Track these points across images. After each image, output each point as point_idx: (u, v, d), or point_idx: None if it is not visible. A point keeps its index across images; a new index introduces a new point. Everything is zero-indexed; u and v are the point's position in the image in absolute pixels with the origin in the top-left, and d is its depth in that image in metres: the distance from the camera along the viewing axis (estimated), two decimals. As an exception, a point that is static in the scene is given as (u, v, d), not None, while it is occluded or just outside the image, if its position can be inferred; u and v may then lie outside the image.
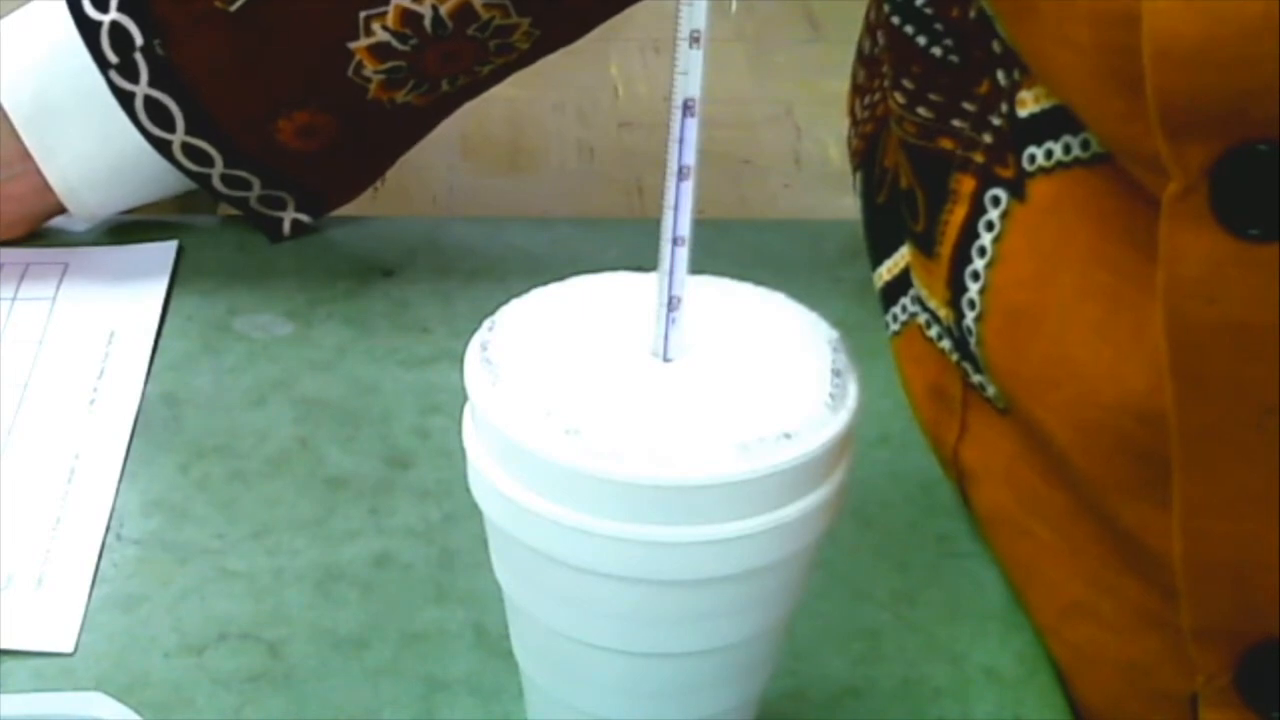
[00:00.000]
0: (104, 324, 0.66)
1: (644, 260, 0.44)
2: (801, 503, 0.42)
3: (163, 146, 0.67)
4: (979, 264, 0.52)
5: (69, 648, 0.52)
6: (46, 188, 0.68)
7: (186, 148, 0.67)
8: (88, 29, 0.65)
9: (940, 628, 0.55)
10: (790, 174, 1.69)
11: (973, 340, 0.53)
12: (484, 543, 0.45)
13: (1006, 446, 0.54)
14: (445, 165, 1.60)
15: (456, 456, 0.44)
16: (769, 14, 2.00)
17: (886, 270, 0.62)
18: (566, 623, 0.44)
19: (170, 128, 0.66)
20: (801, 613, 0.46)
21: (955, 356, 0.56)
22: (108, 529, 0.57)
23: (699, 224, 0.43)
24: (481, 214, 1.47)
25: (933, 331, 0.57)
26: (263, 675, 0.52)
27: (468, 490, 0.44)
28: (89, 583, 0.55)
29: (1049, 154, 0.50)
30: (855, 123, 0.66)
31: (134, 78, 0.65)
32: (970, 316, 0.53)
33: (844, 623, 0.55)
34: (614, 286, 0.46)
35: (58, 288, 0.68)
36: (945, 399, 0.57)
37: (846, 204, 0.67)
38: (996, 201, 0.52)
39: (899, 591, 0.56)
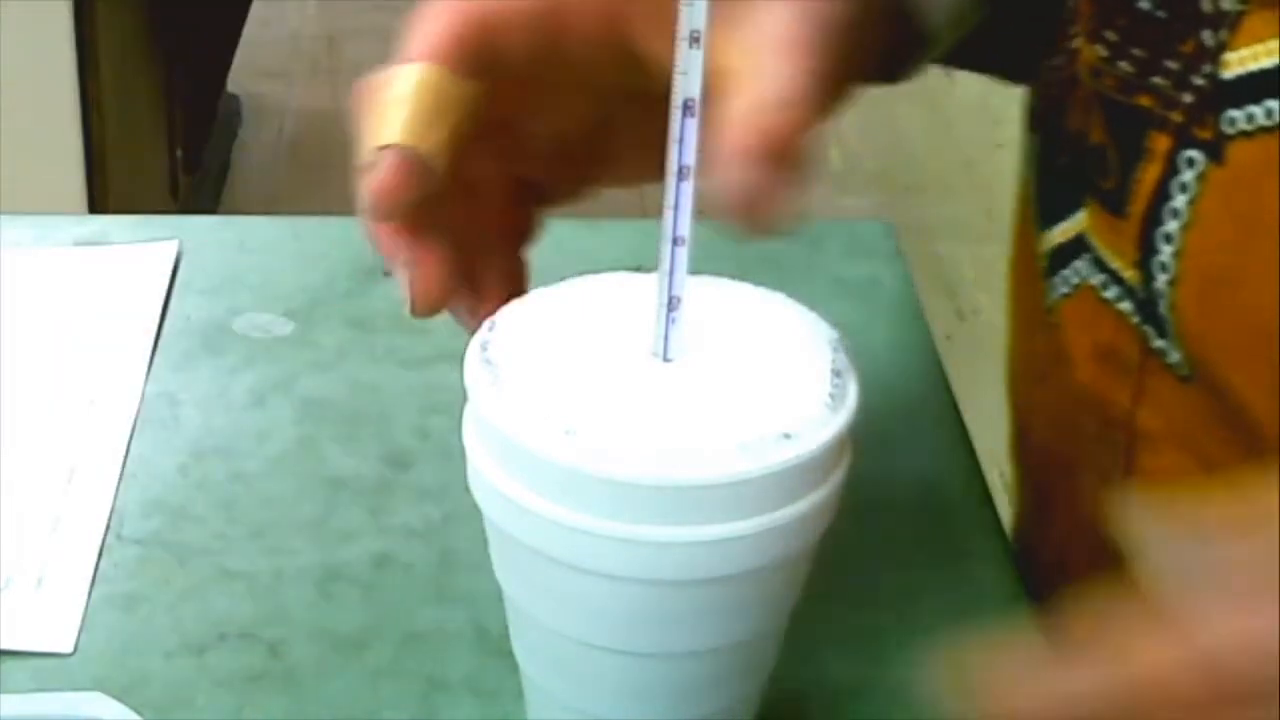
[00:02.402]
0: (104, 324, 0.66)
1: (644, 260, 0.44)
2: (801, 503, 0.42)
3: None
4: (1172, 225, 0.51)
5: (69, 648, 0.52)
6: None
7: None
8: None
9: (941, 628, 0.55)
10: (790, 174, 1.68)
11: (1163, 304, 0.52)
12: (484, 543, 0.45)
13: (1186, 414, 0.53)
14: (445, 165, 1.60)
15: (456, 456, 0.44)
16: (769, 14, 1.99)
17: (1060, 233, 0.61)
18: (566, 623, 0.44)
19: None
20: (801, 613, 0.46)
21: (1136, 319, 0.55)
22: (108, 529, 0.57)
23: (699, 224, 0.43)
24: (482, 214, 1.47)
25: (1109, 293, 0.56)
26: (263, 675, 0.52)
27: (468, 490, 0.44)
28: (89, 583, 0.55)
29: (1250, 117, 0.49)
30: (1039, 84, 0.65)
31: None
32: (1162, 279, 0.52)
33: (844, 623, 0.55)
34: (614, 286, 0.46)
35: (59, 288, 0.68)
36: (1119, 360, 0.56)
37: (846, 204, 0.67)
38: (1191, 163, 0.51)
39: (900, 591, 0.56)
